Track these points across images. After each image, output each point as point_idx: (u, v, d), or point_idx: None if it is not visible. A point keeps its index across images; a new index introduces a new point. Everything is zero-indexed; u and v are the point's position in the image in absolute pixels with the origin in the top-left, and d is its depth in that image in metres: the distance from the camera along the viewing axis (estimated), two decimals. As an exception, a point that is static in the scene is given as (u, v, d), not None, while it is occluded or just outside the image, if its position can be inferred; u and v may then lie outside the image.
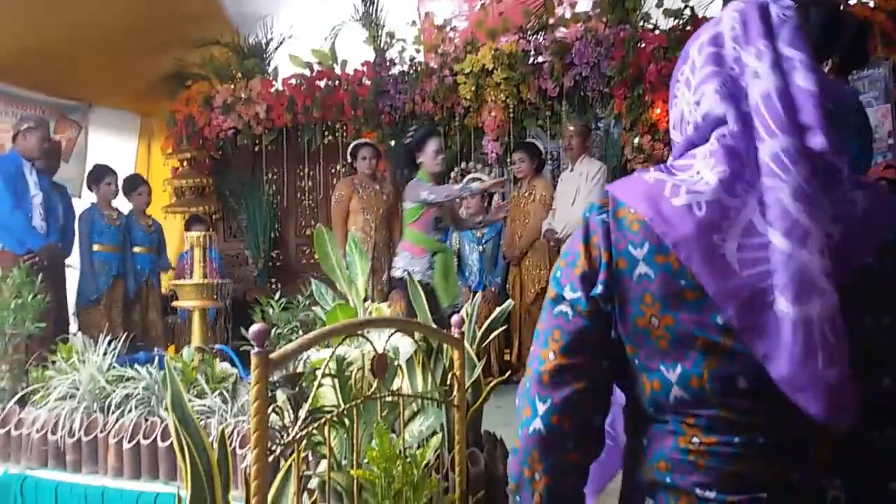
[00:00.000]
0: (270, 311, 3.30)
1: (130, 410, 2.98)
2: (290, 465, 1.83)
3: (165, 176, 7.30)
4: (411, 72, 6.50)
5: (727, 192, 0.91)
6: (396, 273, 4.71)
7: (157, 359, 3.31)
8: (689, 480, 0.94)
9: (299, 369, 2.55)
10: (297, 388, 2.33)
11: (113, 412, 3.00)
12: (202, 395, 2.96)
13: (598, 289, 0.98)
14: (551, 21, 6.14)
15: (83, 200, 6.15)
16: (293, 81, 6.90)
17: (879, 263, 0.91)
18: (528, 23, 6.14)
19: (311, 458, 2.43)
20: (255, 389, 1.63)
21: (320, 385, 2.08)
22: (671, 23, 5.78)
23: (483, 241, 5.69)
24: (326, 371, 2.11)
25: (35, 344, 3.65)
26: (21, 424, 3.14)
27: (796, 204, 0.86)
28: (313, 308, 3.03)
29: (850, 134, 2.68)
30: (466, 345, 2.55)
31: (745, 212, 0.90)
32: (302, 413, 1.96)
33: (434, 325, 2.59)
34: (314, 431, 1.98)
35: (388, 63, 6.64)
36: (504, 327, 3.04)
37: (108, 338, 3.28)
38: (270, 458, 1.64)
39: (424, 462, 2.06)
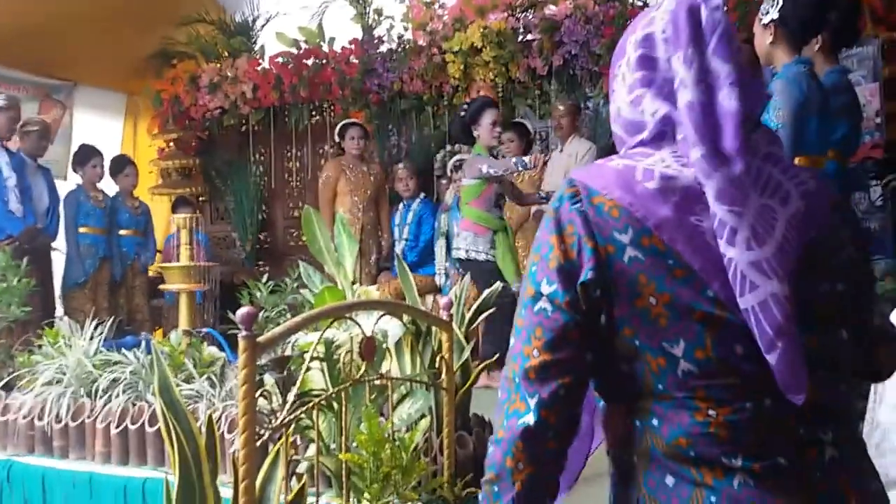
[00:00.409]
0: (258, 294, 3.27)
1: (118, 395, 2.95)
2: (279, 449, 1.82)
3: (151, 157, 7.24)
4: (399, 50, 6.44)
5: (696, 178, 0.98)
6: (460, 254, 4.66)
7: (144, 343, 3.28)
8: (715, 451, 0.97)
9: (287, 353, 2.54)
10: (284, 372, 2.32)
11: (100, 397, 2.98)
12: (190, 379, 2.94)
13: (588, 275, 1.00)
14: (540, -2, 6.10)
15: (69, 182, 6.08)
16: (280, 60, 6.84)
17: (827, 236, 1.01)
18: (517, 0, 6.09)
19: (299, 442, 2.42)
20: (243, 373, 1.62)
21: (308, 369, 2.07)
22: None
23: (472, 221, 5.67)
24: (315, 354, 2.10)
25: (21, 328, 3.62)
26: (7, 410, 3.12)
27: (719, 203, 0.95)
28: (301, 291, 3.01)
29: (808, 115, 2.68)
30: (455, 327, 2.54)
31: None
32: (290, 397, 1.96)
33: (422, 308, 2.58)
34: (302, 415, 1.97)
35: (375, 41, 6.58)
36: (493, 309, 3.02)
37: (94, 322, 3.25)
38: (259, 443, 1.63)
39: (413, 445, 2.06)
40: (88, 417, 2.95)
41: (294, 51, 6.85)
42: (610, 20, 5.69)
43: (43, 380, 3.05)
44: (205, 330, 3.56)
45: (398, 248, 5.87)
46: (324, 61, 6.73)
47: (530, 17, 5.98)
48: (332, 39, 6.83)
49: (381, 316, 2.19)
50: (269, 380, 2.28)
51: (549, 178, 5.32)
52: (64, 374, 3.05)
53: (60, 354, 3.11)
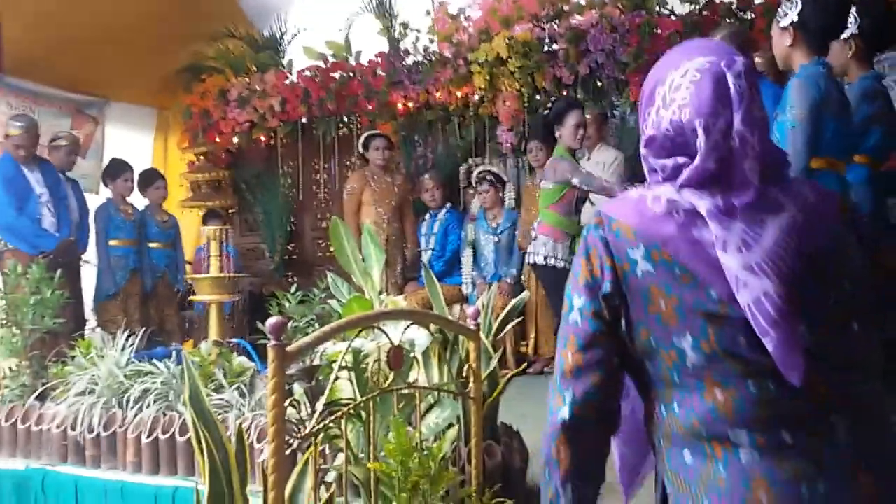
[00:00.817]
0: (287, 304, 3.30)
1: (149, 405, 3.00)
2: (308, 458, 1.83)
3: (182, 170, 7.32)
4: (425, 62, 6.46)
5: (711, 223, 1.14)
6: (538, 259, 4.63)
7: (174, 353, 3.32)
8: (724, 428, 1.13)
9: (315, 362, 2.55)
10: (313, 382, 2.33)
11: (131, 407, 3.02)
12: (220, 389, 2.97)
13: (608, 288, 1.20)
14: (566, 8, 6.07)
15: (100, 196, 6.17)
16: (308, 73, 6.88)
17: (833, 243, 1.17)
18: (542, 10, 6.08)
19: (327, 451, 2.43)
20: (272, 382, 1.63)
21: (336, 378, 2.08)
22: (687, 8, 5.70)
23: (498, 231, 5.66)
24: (343, 364, 2.11)
25: (53, 340, 3.68)
26: (41, 420, 3.17)
27: (715, 222, 1.12)
28: (329, 301, 3.02)
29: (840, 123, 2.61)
30: (482, 336, 2.54)
31: None
32: (318, 406, 1.96)
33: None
34: (331, 424, 1.98)
35: (402, 53, 6.61)
36: (520, 319, 3.02)
37: (126, 333, 3.29)
38: (288, 452, 1.64)
39: (441, 455, 2.05)
40: (120, 427, 2.99)
41: (321, 64, 6.89)
42: (636, 28, 5.66)
43: (76, 390, 3.11)
44: (234, 340, 3.59)
45: (424, 258, 5.87)
46: (351, 74, 6.77)
47: (556, 27, 5.96)
48: (358, 53, 6.87)
49: (409, 325, 2.20)
50: (297, 389, 2.29)
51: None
52: (96, 384, 3.10)
53: (92, 365, 3.16)
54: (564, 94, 6.00)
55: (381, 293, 2.67)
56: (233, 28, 7.28)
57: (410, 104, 6.48)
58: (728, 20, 5.42)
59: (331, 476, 2.30)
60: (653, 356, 1.19)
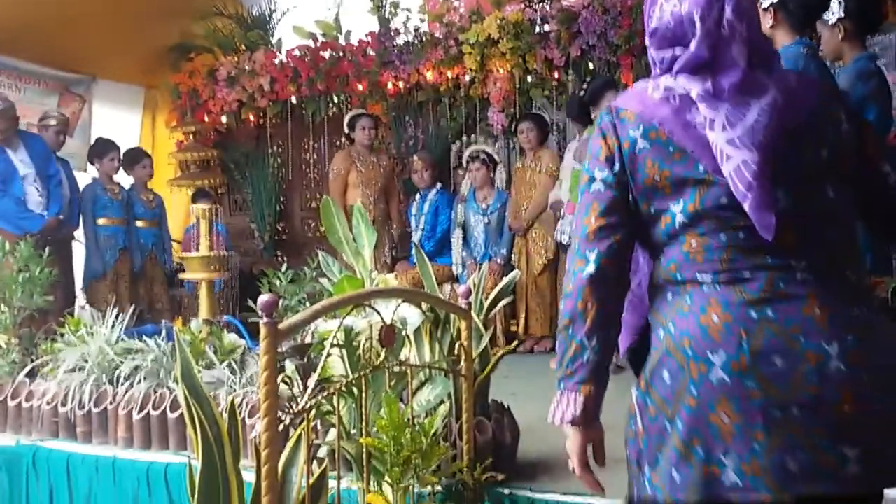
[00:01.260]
0: (278, 283, 3.30)
1: (140, 382, 3.00)
2: (300, 433, 1.84)
3: (170, 149, 7.27)
4: (416, 42, 6.43)
5: (700, 105, 1.32)
6: (564, 238, 4.62)
7: (164, 331, 3.32)
8: (693, 271, 1.33)
9: (307, 340, 2.56)
10: (305, 359, 2.34)
11: (122, 383, 3.02)
12: (211, 366, 2.97)
13: (617, 166, 1.38)
14: (558, -11, 6.07)
15: (88, 175, 6.12)
16: (297, 53, 6.84)
17: (814, 118, 1.34)
18: (534, -9, 6.07)
19: (319, 427, 2.45)
20: (264, 359, 1.64)
21: (329, 355, 2.09)
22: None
23: (489, 211, 5.66)
24: (335, 341, 2.12)
25: (43, 317, 3.67)
26: (32, 396, 3.17)
27: (704, 104, 1.31)
28: (320, 280, 3.03)
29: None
30: (474, 315, 2.56)
31: None
32: (311, 383, 1.97)
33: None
34: (323, 401, 1.99)
35: (392, 33, 6.57)
36: (510, 298, 3.03)
37: (115, 310, 3.29)
38: (280, 428, 1.65)
39: (432, 431, 2.07)
40: (111, 404, 2.99)
41: (311, 44, 6.85)
42: (627, 11, 5.65)
43: (66, 367, 3.10)
44: (225, 318, 3.59)
45: (415, 238, 5.88)
46: (341, 54, 6.73)
47: (547, 8, 5.95)
48: (348, 32, 6.83)
49: (401, 304, 2.21)
50: (289, 366, 2.30)
51: (567, 165, 5.29)
52: (86, 361, 3.09)
53: (83, 342, 3.15)
54: (556, 76, 6.00)
55: (372, 272, 2.68)
56: (221, 6, 7.22)
57: (401, 84, 6.46)
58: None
59: (322, 451, 2.32)
60: (654, 223, 1.38)
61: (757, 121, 1.28)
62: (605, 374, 1.39)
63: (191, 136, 7.20)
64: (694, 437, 1.26)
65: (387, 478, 2.02)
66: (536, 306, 5.41)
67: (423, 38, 6.37)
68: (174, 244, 6.42)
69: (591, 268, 1.36)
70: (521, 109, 6.05)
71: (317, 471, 1.90)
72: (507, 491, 2.43)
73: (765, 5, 2.71)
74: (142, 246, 5.89)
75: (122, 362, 3.04)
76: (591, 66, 5.87)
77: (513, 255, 5.59)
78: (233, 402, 1.86)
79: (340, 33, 6.87)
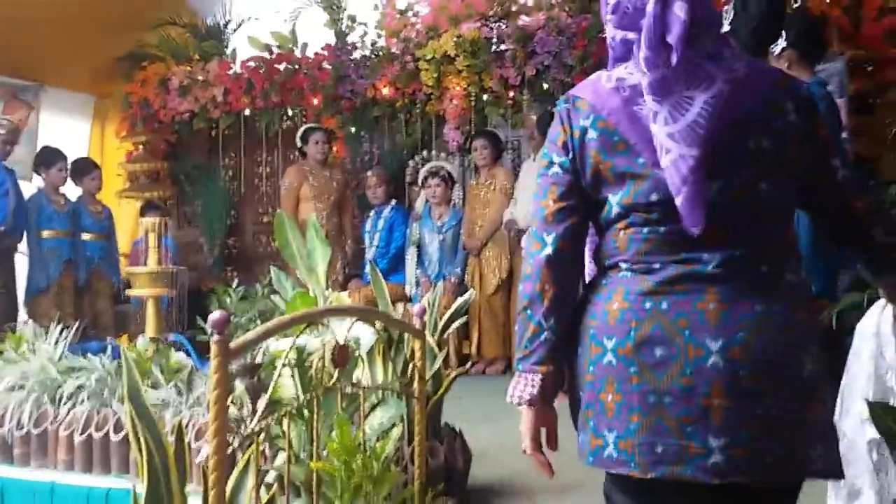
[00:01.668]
0: (228, 299, 3.24)
1: (83, 402, 2.91)
2: (249, 457, 1.80)
3: (119, 160, 7.12)
4: (373, 56, 6.42)
5: (646, 97, 1.33)
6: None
7: (109, 348, 3.23)
8: (616, 258, 1.40)
9: (258, 360, 2.51)
10: (255, 379, 2.29)
11: (64, 403, 2.93)
12: (157, 386, 2.90)
13: (570, 154, 1.43)
14: (514, 8, 6.10)
15: (34, 185, 5.96)
16: (252, 64, 6.77)
17: (760, 108, 1.35)
18: (490, 10, 6.10)
19: (267, 451, 2.39)
20: (214, 378, 1.59)
21: (280, 375, 2.05)
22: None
23: (443, 230, 5.65)
24: (286, 361, 2.08)
25: (-18, 332, 3.54)
26: (-33, 416, 3.05)
27: (648, 94, 1.32)
28: (272, 297, 2.98)
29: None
30: (428, 335, 2.53)
31: None
32: (261, 404, 1.93)
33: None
34: (273, 423, 1.95)
35: (349, 47, 6.55)
36: (464, 318, 3.02)
37: (59, 326, 3.19)
38: (229, 450, 1.60)
39: (384, 455, 2.04)
40: (51, 424, 2.89)
41: (266, 55, 6.80)
42: (582, 32, 5.73)
43: (4, 385, 2.99)
44: (172, 336, 3.51)
45: (368, 255, 5.84)
46: (296, 66, 6.69)
47: (504, 27, 5.99)
48: (304, 45, 6.78)
49: (355, 322, 2.17)
50: (238, 386, 2.24)
51: (522, 185, 5.32)
52: (27, 379, 2.99)
53: (24, 360, 3.05)
54: (511, 94, 6.04)
55: (326, 290, 2.64)
56: (175, 16, 7.12)
57: (357, 99, 6.43)
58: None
59: (270, 476, 2.27)
60: (600, 209, 1.42)
61: (699, 114, 1.30)
62: (562, 355, 1.44)
63: (141, 147, 7.06)
64: (589, 410, 1.38)
65: (337, 503, 1.98)
66: (490, 326, 5.40)
67: (380, 54, 6.37)
68: (121, 258, 6.27)
69: (548, 250, 1.42)
70: (476, 127, 6.07)
71: (265, 496, 1.85)
72: (458, 516, 2.41)
73: (776, 52, 2.86)
74: (88, 259, 5.75)
75: (64, 381, 2.94)
76: (545, 85, 5.92)
77: (466, 275, 5.58)
78: (180, 423, 1.81)
79: (296, 46, 6.83)
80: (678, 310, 1.31)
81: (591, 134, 1.38)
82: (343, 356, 2.05)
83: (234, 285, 3.31)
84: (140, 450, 1.70)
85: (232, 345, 1.63)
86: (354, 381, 2.22)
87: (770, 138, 1.34)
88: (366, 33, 6.55)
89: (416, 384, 2.39)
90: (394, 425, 2.29)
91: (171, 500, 1.74)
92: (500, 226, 5.41)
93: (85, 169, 5.93)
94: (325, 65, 6.56)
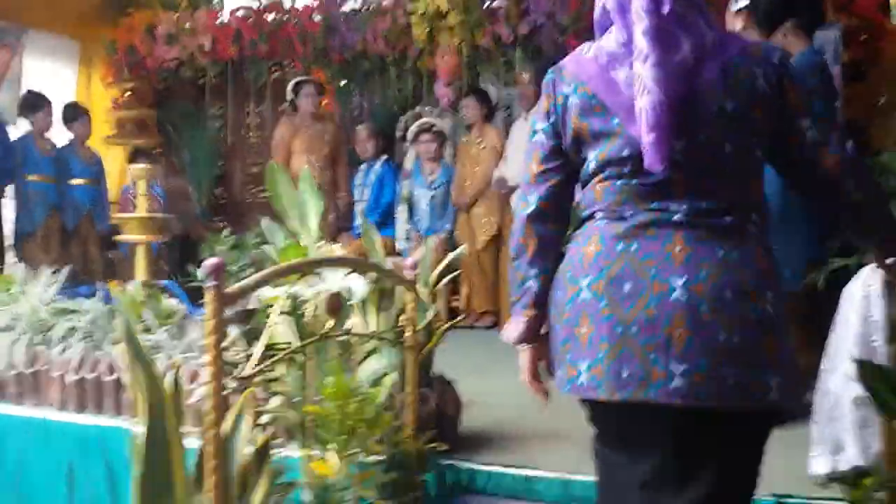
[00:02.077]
0: (219, 248, 3.25)
1: (74, 344, 2.93)
2: (244, 400, 1.83)
3: (106, 106, 7.03)
4: (364, 10, 6.35)
5: (619, 49, 1.49)
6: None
7: (100, 292, 3.24)
8: (593, 209, 1.53)
9: (250, 306, 2.53)
10: (248, 325, 2.32)
11: (56, 345, 2.95)
12: (149, 330, 2.92)
13: (553, 118, 1.57)
14: (508, -35, 6.05)
15: (19, 129, 5.88)
16: (240, 13, 6.68)
17: (723, 74, 1.45)
18: (484, -35, 6.04)
19: (260, 394, 2.43)
20: (210, 324, 1.61)
21: (274, 323, 2.08)
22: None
23: (434, 186, 5.65)
24: (281, 308, 2.11)
25: (-29, 274, 3.54)
26: (-42, 356, 3.06)
27: (646, 39, 1.42)
28: (263, 247, 2.99)
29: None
30: (419, 287, 2.56)
31: (630, 59, 1.46)
32: (255, 349, 1.96)
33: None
34: (268, 368, 1.98)
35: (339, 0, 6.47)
36: (456, 273, 3.06)
37: (51, 269, 3.19)
38: (225, 393, 1.63)
39: (378, 400, 2.09)
40: (44, 366, 2.91)
41: (255, 5, 6.70)
42: (576, -8, 5.68)
43: (-5, 326, 3.00)
44: (163, 282, 3.53)
45: (358, 209, 5.84)
46: (285, 17, 6.59)
47: (497, -17, 5.94)
48: (294, -5, 6.70)
49: (349, 273, 2.20)
50: (233, 332, 2.28)
51: (513, 143, 5.33)
52: (18, 321, 3.00)
53: (14, 301, 3.05)
54: (504, 53, 6.00)
55: (319, 241, 2.66)
56: (164, -38, 6.99)
57: (347, 52, 6.37)
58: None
59: (264, 419, 2.31)
60: (581, 167, 1.56)
61: (667, 76, 1.41)
62: (545, 300, 1.58)
63: (127, 94, 6.97)
64: (567, 344, 1.50)
65: (331, 445, 2.03)
66: (479, 281, 5.45)
67: (371, 7, 6.29)
68: (112, 205, 6.24)
69: (530, 208, 1.59)
70: (468, 85, 6.04)
71: (260, 438, 1.89)
72: (449, 462, 2.47)
73: (734, 9, 2.86)
74: (77, 205, 5.72)
75: (56, 323, 2.95)
76: (539, 44, 5.88)
77: (456, 231, 5.61)
78: (177, 365, 1.83)
79: (286, -5, 6.73)
80: (646, 251, 1.44)
81: (573, 99, 1.52)
82: (335, 304, 2.09)
83: (226, 234, 3.31)
84: (138, 391, 1.72)
85: (228, 291, 1.65)
86: (347, 328, 2.26)
87: (734, 102, 1.44)
88: (357, -15, 6.47)
89: (407, 334, 2.43)
90: (386, 373, 2.33)
91: (169, 442, 1.77)
92: (489, 184, 5.43)
93: (74, 114, 5.87)
94: (315, 17, 6.47)
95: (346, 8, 6.42)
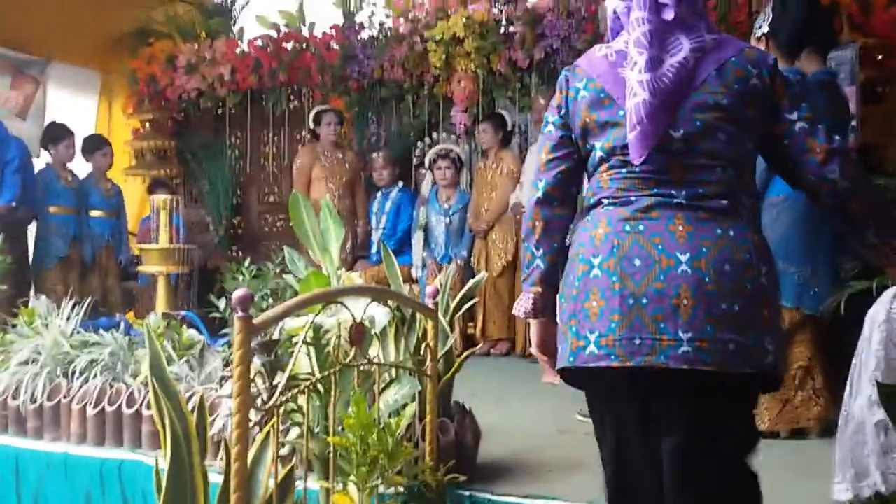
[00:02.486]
0: (240, 278, 3.25)
1: (95, 376, 2.93)
2: (269, 431, 1.83)
3: (126, 137, 7.11)
4: (381, 37, 6.40)
5: (627, 49, 1.62)
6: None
7: (123, 324, 3.26)
8: (599, 196, 1.65)
9: (274, 337, 2.53)
10: (272, 356, 2.32)
11: (77, 378, 2.95)
12: (169, 361, 2.92)
13: (563, 110, 1.71)
14: (523, -10, 6.09)
15: (40, 161, 5.95)
16: (259, 43, 6.75)
17: (720, 71, 1.60)
18: (499, -9, 6.08)
19: (280, 426, 2.42)
20: (238, 354, 1.62)
21: (298, 353, 2.08)
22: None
23: (450, 212, 5.65)
24: (304, 339, 2.10)
25: (-4, 306, 3.57)
26: (-19, 388, 3.07)
27: (637, 48, 1.59)
28: (284, 276, 3.00)
29: None
30: (440, 315, 2.56)
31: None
32: (279, 380, 1.96)
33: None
34: (290, 399, 1.98)
35: (357, 27, 6.52)
36: (475, 300, 3.05)
37: (71, 302, 3.21)
38: (252, 425, 1.63)
39: (399, 431, 2.07)
40: (65, 398, 2.92)
41: (274, 34, 6.78)
42: (591, 15, 5.69)
43: (18, 359, 3.02)
44: (183, 313, 3.54)
45: (375, 237, 5.85)
46: (304, 46, 6.66)
47: (513, 8, 5.97)
48: (312, 24, 6.76)
49: (371, 302, 2.20)
50: (256, 363, 2.27)
51: (528, 170, 5.33)
52: (40, 353, 3.02)
53: (36, 334, 3.07)
54: (519, 77, 6.03)
55: (340, 268, 2.67)
56: (182, -7, 7.10)
57: (364, 80, 6.42)
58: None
59: (285, 450, 2.30)
60: (588, 156, 1.69)
61: (665, 73, 1.57)
62: (553, 278, 1.72)
63: (147, 125, 7.06)
64: (572, 319, 1.61)
65: (352, 477, 2.02)
66: (494, 308, 5.41)
67: (388, 34, 6.35)
68: (131, 236, 6.29)
69: (539, 193, 1.72)
70: (484, 110, 6.07)
71: (283, 469, 1.88)
72: (468, 493, 2.44)
73: (757, 35, 2.96)
74: (96, 236, 5.76)
75: (77, 355, 2.96)
76: (554, 68, 5.90)
77: (472, 257, 5.60)
78: (202, 398, 1.83)
79: (304, 25, 6.80)
80: (653, 231, 1.56)
81: (584, 93, 1.66)
82: (359, 334, 2.08)
83: (247, 264, 3.32)
84: (162, 422, 1.73)
85: (255, 321, 1.66)
86: (370, 358, 2.25)
87: (729, 97, 1.58)
88: (374, 13, 6.52)
89: (428, 362, 2.42)
90: (406, 403, 2.32)
91: (193, 473, 1.77)
92: (506, 209, 5.42)
93: (96, 145, 5.93)
94: (333, 45, 6.54)
95: (363, 35, 6.48)
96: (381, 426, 2.04)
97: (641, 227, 1.57)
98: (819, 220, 2.93)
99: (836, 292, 2.94)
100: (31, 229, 5.58)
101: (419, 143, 6.24)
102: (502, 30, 5.98)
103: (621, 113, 1.60)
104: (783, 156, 1.67)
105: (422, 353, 2.46)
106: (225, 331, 3.21)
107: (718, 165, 1.59)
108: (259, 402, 1.96)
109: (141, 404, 2.80)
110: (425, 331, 2.48)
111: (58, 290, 5.03)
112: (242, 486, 1.62)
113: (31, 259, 5.52)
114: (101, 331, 3.11)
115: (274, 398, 1.77)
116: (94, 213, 5.79)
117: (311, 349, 2.22)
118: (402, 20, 6.27)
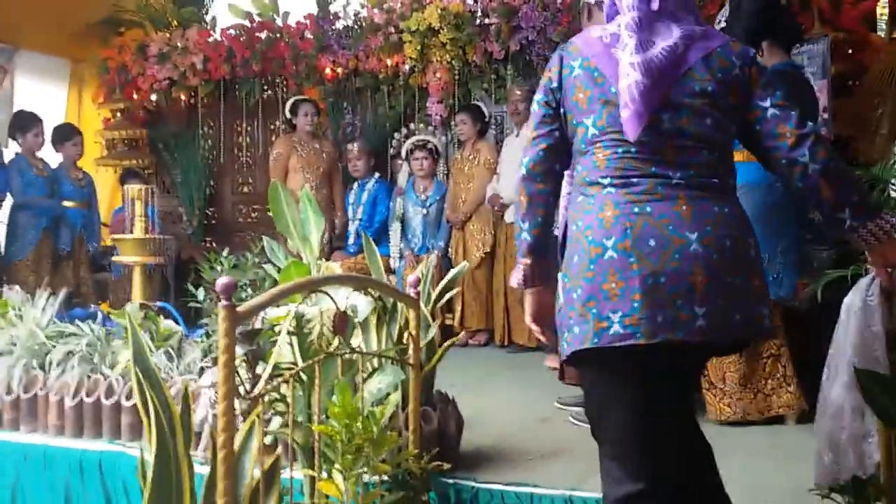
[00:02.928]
0: (218, 268, 3.23)
1: (72, 367, 2.90)
2: (253, 420, 1.82)
3: (97, 127, 7.01)
4: (356, 27, 6.38)
5: (622, 31, 1.70)
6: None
7: (98, 315, 3.22)
8: (596, 175, 1.71)
9: (256, 326, 2.52)
10: (254, 345, 2.31)
11: (53, 369, 2.92)
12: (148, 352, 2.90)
13: (553, 84, 1.78)
14: (498, -18, 6.08)
15: (9, 150, 5.85)
16: (232, 32, 6.69)
17: (707, 59, 1.70)
18: (475, -18, 6.07)
19: (262, 415, 2.41)
20: (223, 343, 1.61)
21: (280, 342, 2.07)
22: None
23: (427, 203, 5.65)
24: (287, 328, 2.10)
25: (-33, 298, 3.50)
26: (-46, 381, 3.03)
27: (628, 31, 1.69)
28: (264, 266, 2.99)
29: None
30: (422, 305, 2.57)
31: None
32: (262, 369, 1.95)
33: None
34: (274, 388, 1.97)
35: (331, 17, 6.49)
36: (455, 290, 3.06)
37: (46, 293, 3.17)
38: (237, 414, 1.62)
39: (383, 419, 2.08)
40: (41, 390, 2.88)
41: (247, 23, 6.72)
42: (567, 7, 5.72)
43: (-8, 350, 2.98)
44: (159, 304, 3.51)
45: (351, 228, 5.84)
46: (277, 35, 6.61)
47: (488, 0, 5.98)
48: (286, 14, 6.70)
49: (353, 291, 2.20)
50: (238, 352, 2.26)
51: (505, 161, 5.35)
52: (15, 345, 2.98)
53: (11, 325, 3.03)
54: (495, 69, 6.04)
55: (319, 258, 2.66)
56: (154, -19, 7.00)
57: (339, 70, 6.39)
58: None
59: (268, 440, 2.29)
60: (575, 132, 1.76)
61: (657, 55, 1.66)
62: (540, 248, 1.81)
63: (118, 114, 6.96)
64: (591, 301, 1.65)
65: (337, 465, 2.02)
66: (472, 299, 5.43)
67: (363, 24, 6.32)
68: (102, 227, 6.20)
69: (523, 169, 1.81)
70: (459, 101, 6.07)
71: (269, 458, 1.88)
72: (451, 481, 2.46)
73: (717, 27, 2.96)
74: (70, 226, 5.68)
75: (53, 346, 2.93)
76: (529, 60, 5.92)
77: (450, 248, 5.61)
78: (187, 387, 1.82)
79: (278, 14, 6.75)
80: (660, 212, 1.64)
81: (578, 71, 1.74)
82: (342, 323, 2.08)
83: (225, 253, 3.30)
84: (147, 412, 1.72)
85: (239, 310, 1.65)
86: (354, 346, 2.25)
87: (714, 84, 1.69)
88: (349, 3, 6.49)
89: (410, 351, 2.43)
90: (389, 392, 2.33)
91: (179, 464, 1.76)
92: (483, 200, 5.44)
93: (66, 135, 5.83)
94: (307, 34, 6.50)
95: (338, 25, 6.45)
96: (366, 415, 2.04)
97: (649, 209, 1.64)
98: (777, 208, 3.00)
99: (810, 281, 2.99)
100: (2, 220, 5.49)
101: (395, 134, 6.23)
102: (478, 21, 5.99)
103: (613, 90, 1.68)
104: (756, 142, 1.76)
105: (404, 342, 2.47)
106: (202, 321, 3.19)
107: (705, 148, 1.70)
108: (242, 391, 1.96)
109: (120, 395, 2.78)
110: (407, 320, 2.49)
111: (29, 281, 4.97)
112: (230, 474, 1.62)
113: (1, 250, 5.43)
114: (77, 321, 3.07)
115: (258, 387, 1.77)
116: (67, 204, 5.70)
117: (294, 338, 2.22)
118: (377, 10, 6.25)
